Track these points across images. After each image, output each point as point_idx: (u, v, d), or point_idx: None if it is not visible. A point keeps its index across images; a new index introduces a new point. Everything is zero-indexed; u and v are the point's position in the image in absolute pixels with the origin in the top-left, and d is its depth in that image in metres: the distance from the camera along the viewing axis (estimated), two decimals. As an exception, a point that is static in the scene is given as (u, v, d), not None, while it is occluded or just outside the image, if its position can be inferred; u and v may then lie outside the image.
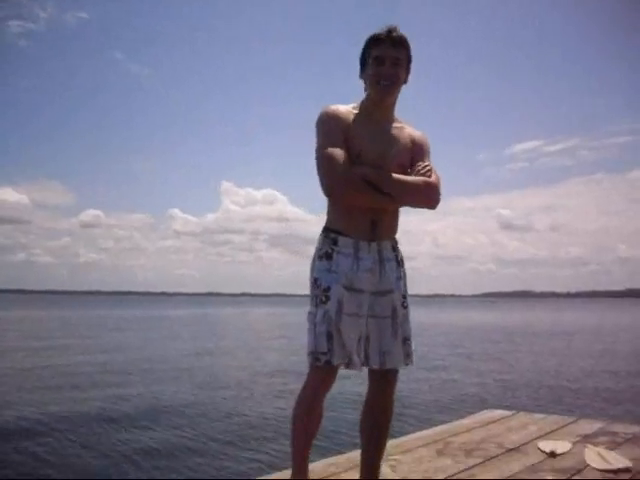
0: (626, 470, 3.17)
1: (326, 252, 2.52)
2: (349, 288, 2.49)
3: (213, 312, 70.24)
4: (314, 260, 2.57)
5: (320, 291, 2.49)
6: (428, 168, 2.55)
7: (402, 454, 3.53)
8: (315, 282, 2.51)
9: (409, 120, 2.74)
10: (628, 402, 10.98)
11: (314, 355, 2.47)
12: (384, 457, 2.78)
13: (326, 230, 2.57)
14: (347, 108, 2.57)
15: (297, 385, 2.71)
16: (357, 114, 2.55)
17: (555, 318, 55.21)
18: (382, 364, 2.56)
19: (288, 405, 9.39)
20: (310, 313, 2.52)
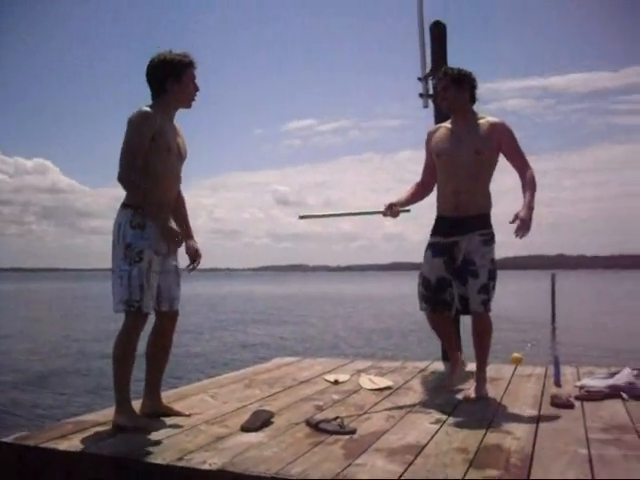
0: (388, 388, 4.23)
1: (139, 223, 3.22)
2: (156, 252, 3.27)
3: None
4: (124, 228, 3.21)
5: (134, 253, 3.20)
6: None
7: (218, 388, 4.29)
8: (129, 246, 3.19)
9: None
10: (391, 347, 14.47)
11: (129, 303, 3.19)
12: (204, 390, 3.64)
13: (134, 206, 3.22)
14: (154, 112, 3.24)
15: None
16: (162, 116, 3.28)
17: (330, 289, 58.96)
18: (171, 307, 3.43)
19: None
20: (123, 270, 3.20)
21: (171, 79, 3.30)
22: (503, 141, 3.84)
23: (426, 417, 3.39)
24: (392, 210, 3.94)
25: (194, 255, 3.55)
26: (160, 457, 2.70)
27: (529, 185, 3.78)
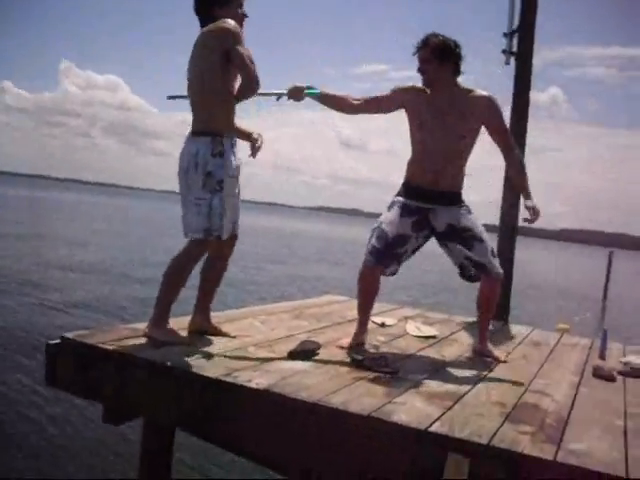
0: (433, 337, 4.31)
1: (220, 151, 3.25)
2: (231, 176, 3.32)
3: (48, 196, 67.48)
4: (204, 157, 3.22)
5: (215, 182, 3.24)
6: None
7: (267, 315, 4.43)
8: (210, 174, 3.23)
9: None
10: (443, 300, 14.82)
11: (208, 231, 3.25)
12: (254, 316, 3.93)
13: (212, 133, 3.25)
14: None
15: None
16: None
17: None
18: (234, 230, 3.49)
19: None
20: (202, 198, 3.24)
21: (217, 6, 3.29)
22: (489, 119, 3.64)
23: (468, 369, 3.46)
24: (297, 90, 3.65)
25: (256, 139, 3.65)
26: (209, 371, 2.83)
27: (521, 170, 3.69)
